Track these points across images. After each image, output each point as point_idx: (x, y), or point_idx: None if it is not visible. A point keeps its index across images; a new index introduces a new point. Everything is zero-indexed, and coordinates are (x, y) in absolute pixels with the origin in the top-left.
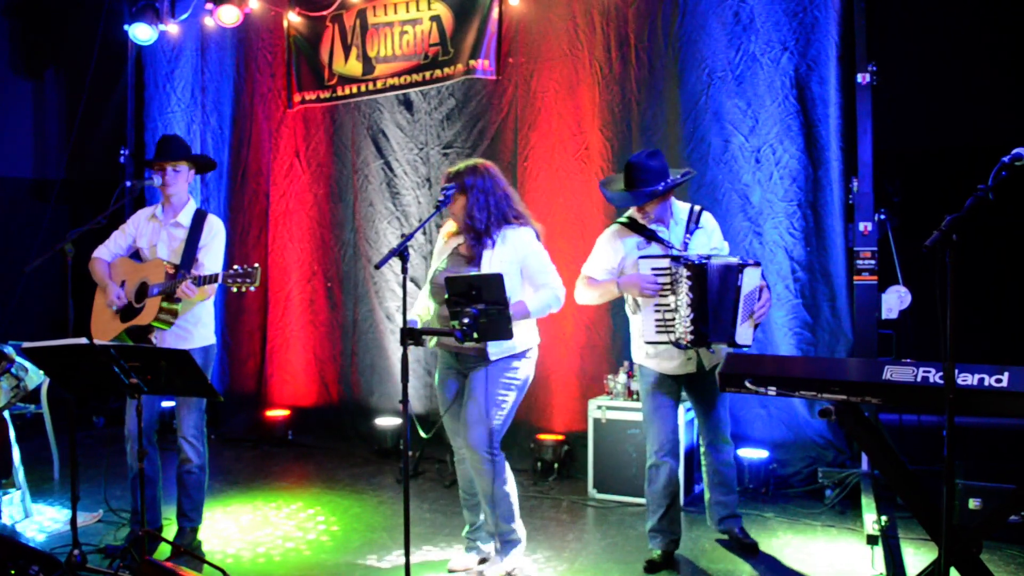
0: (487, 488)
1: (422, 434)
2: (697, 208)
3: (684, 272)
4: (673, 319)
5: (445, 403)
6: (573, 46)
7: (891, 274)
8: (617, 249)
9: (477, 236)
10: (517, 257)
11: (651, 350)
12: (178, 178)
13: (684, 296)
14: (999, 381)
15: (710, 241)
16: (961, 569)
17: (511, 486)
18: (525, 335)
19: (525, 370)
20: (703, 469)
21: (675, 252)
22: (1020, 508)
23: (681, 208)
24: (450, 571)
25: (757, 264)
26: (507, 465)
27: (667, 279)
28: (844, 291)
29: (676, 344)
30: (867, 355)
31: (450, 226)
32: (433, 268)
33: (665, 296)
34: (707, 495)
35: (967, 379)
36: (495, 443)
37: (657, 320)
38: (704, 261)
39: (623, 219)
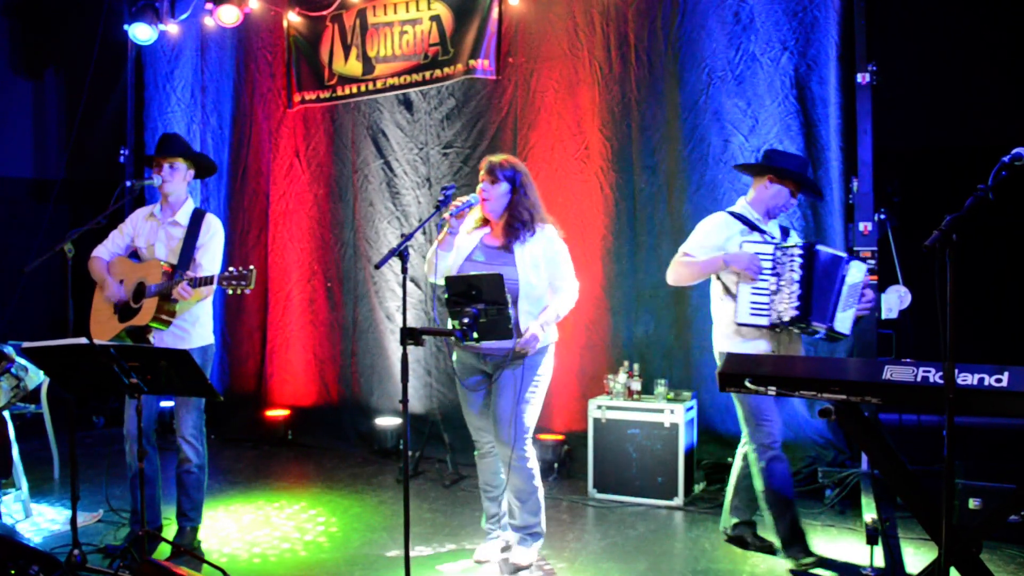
0: (519, 483)
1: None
2: (785, 227)
3: (796, 251)
4: (768, 302)
5: (471, 401)
6: (573, 46)
7: (891, 274)
8: (721, 231)
9: (519, 229)
10: (546, 253)
11: (739, 338)
12: (175, 175)
13: (792, 273)
14: (999, 381)
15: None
16: (961, 569)
17: (539, 481)
18: (551, 331)
19: (548, 365)
20: (735, 468)
21: (775, 241)
22: (1020, 508)
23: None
24: (477, 561)
25: (864, 261)
26: (535, 460)
27: (769, 263)
28: None
29: (778, 322)
30: (867, 355)
31: (468, 223)
32: (461, 261)
33: (764, 280)
34: (729, 496)
35: (967, 379)
36: (527, 440)
37: (753, 303)
38: (816, 245)
39: (731, 210)
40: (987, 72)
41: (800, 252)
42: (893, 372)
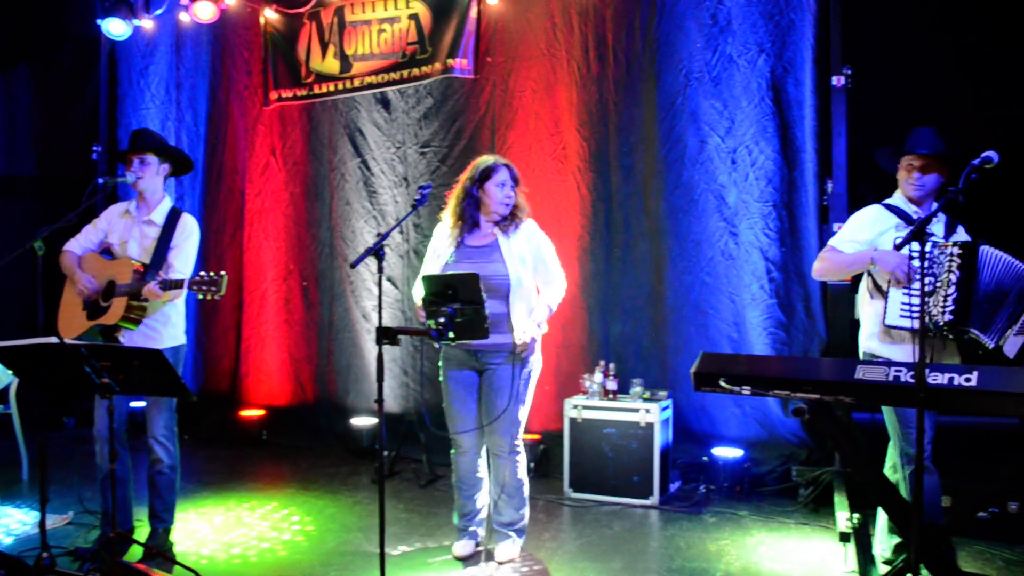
0: (509, 479)
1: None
2: (953, 220)
3: (954, 249)
4: (919, 304)
5: (458, 396)
6: (551, 46)
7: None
8: (875, 224)
9: (508, 225)
10: (532, 247)
11: (885, 340)
12: (146, 170)
13: (950, 274)
14: (968, 380)
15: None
16: (930, 565)
17: (526, 477)
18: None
19: (538, 360)
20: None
21: (935, 239)
22: (988, 505)
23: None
24: (456, 558)
25: None
26: (524, 457)
27: (924, 262)
28: (818, 291)
29: (930, 326)
30: (840, 355)
31: (445, 228)
32: (443, 261)
33: (917, 279)
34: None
35: (937, 378)
36: (519, 436)
37: (903, 304)
38: (980, 244)
39: (888, 202)
40: (960, 76)
41: (957, 251)
42: (865, 372)
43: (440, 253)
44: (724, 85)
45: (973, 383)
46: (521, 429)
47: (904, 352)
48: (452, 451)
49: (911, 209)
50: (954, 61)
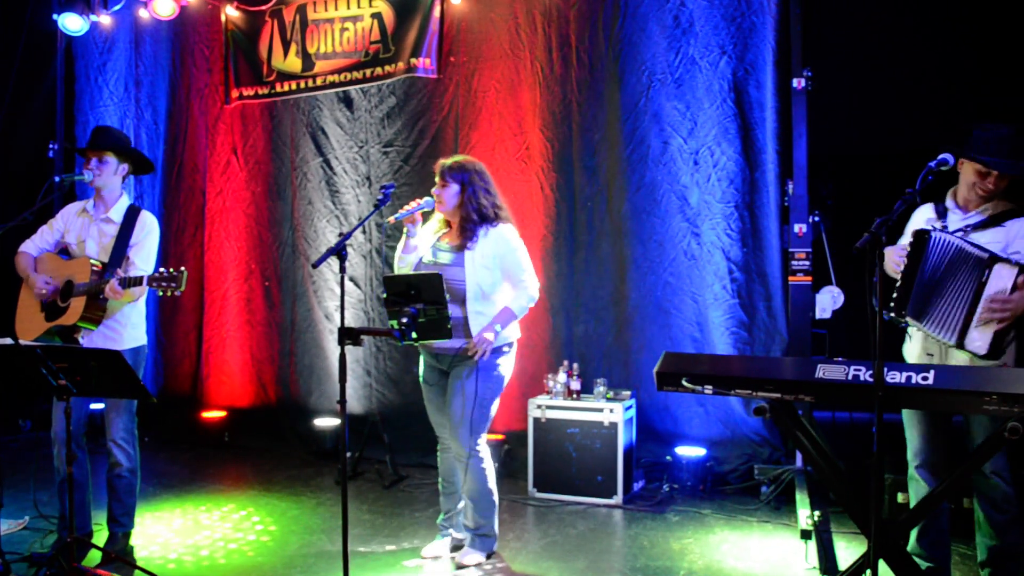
0: (471, 484)
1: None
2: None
3: (908, 239)
4: (877, 298)
5: (429, 398)
6: (515, 46)
7: (825, 275)
8: (915, 220)
9: (472, 230)
10: (498, 253)
11: (906, 338)
12: (104, 169)
13: (902, 265)
14: (925, 379)
15: (1003, 240)
16: (889, 560)
17: (492, 483)
18: (507, 330)
19: (506, 365)
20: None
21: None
22: (943, 501)
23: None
24: (423, 556)
25: (1017, 264)
26: (490, 462)
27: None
28: (779, 291)
29: (894, 319)
30: (801, 354)
31: (434, 225)
32: (416, 263)
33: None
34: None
35: (895, 377)
36: (477, 440)
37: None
38: (932, 231)
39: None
40: (917, 80)
41: (909, 240)
42: (826, 371)
43: (421, 245)
44: (686, 86)
45: (930, 381)
46: (480, 435)
47: (910, 352)
48: (437, 447)
49: (950, 203)
50: (911, 66)
